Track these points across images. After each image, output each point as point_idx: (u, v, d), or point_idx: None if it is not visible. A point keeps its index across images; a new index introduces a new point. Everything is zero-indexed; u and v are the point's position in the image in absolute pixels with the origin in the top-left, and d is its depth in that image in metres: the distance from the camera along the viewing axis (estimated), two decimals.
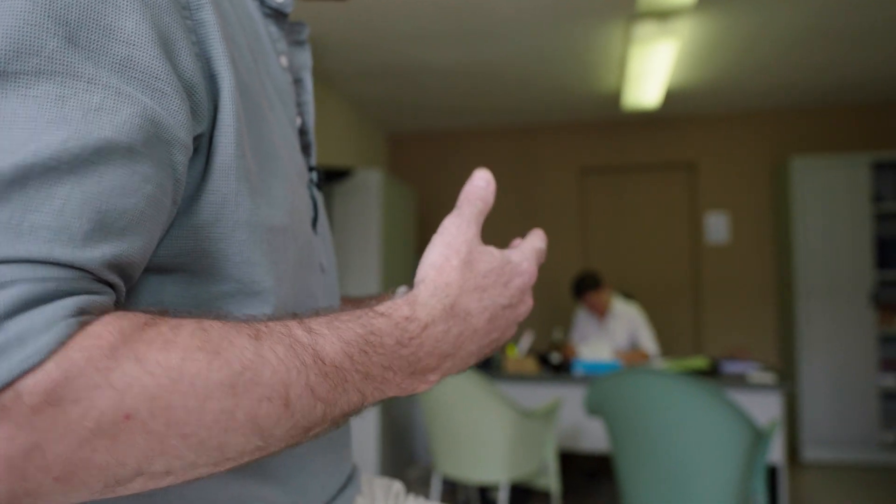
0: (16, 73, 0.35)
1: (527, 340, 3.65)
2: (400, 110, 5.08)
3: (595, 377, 2.35)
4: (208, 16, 0.45)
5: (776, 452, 2.94)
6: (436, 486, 2.91)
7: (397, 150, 5.77)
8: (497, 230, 5.50)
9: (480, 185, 0.54)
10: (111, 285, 0.38)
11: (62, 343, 0.33)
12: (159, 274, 0.46)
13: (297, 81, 0.65)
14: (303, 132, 0.64)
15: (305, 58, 0.66)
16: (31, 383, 0.32)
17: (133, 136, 0.38)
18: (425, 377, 0.48)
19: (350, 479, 0.66)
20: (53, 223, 0.34)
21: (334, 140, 4.56)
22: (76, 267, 0.35)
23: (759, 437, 2.11)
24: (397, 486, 0.76)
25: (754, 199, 5.05)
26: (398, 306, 0.46)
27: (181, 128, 0.41)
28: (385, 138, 5.69)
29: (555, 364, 3.52)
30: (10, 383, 0.31)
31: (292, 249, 0.53)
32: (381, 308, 0.45)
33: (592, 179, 5.41)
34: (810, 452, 4.43)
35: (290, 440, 0.41)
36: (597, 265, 5.32)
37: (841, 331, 4.47)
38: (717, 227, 5.09)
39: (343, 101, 4.73)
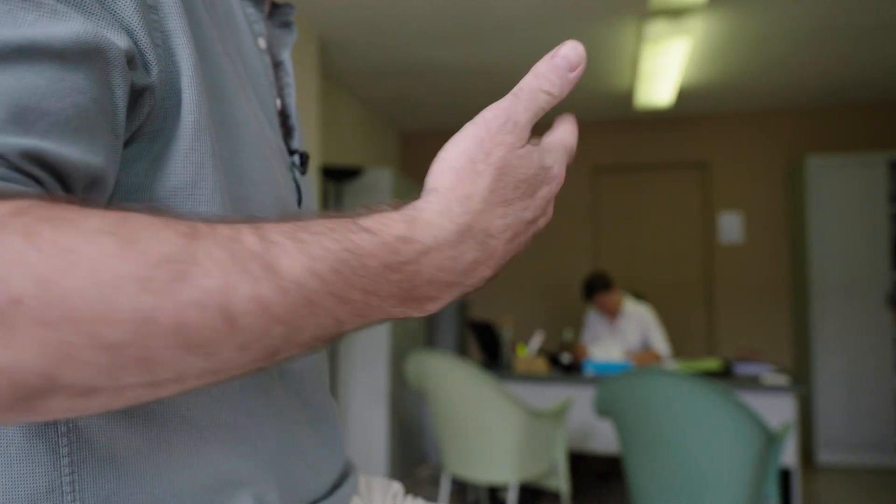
0: None
1: (537, 340, 3.63)
2: (411, 109, 5.07)
3: (605, 378, 2.33)
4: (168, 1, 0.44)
5: (789, 455, 2.91)
6: (445, 486, 2.90)
7: (408, 148, 5.77)
8: None
9: (560, 67, 0.43)
10: (36, 179, 0.35)
11: None
12: None
13: (279, 64, 0.64)
14: (284, 115, 0.63)
15: (288, 39, 0.65)
16: None
17: (66, 45, 0.36)
18: (422, 306, 0.40)
19: (345, 478, 0.65)
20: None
21: (345, 139, 4.57)
22: None
23: (771, 440, 2.08)
24: (396, 486, 0.75)
25: (768, 198, 5.00)
26: (391, 222, 0.38)
27: (121, 53, 0.39)
28: (396, 137, 5.69)
29: (565, 364, 3.50)
30: None
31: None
32: (368, 221, 0.37)
33: (604, 179, 5.38)
34: (825, 455, 4.38)
35: (247, 363, 0.34)
36: (608, 266, 5.29)
37: (856, 333, 4.41)
38: (730, 227, 5.04)
39: (354, 100, 4.73)
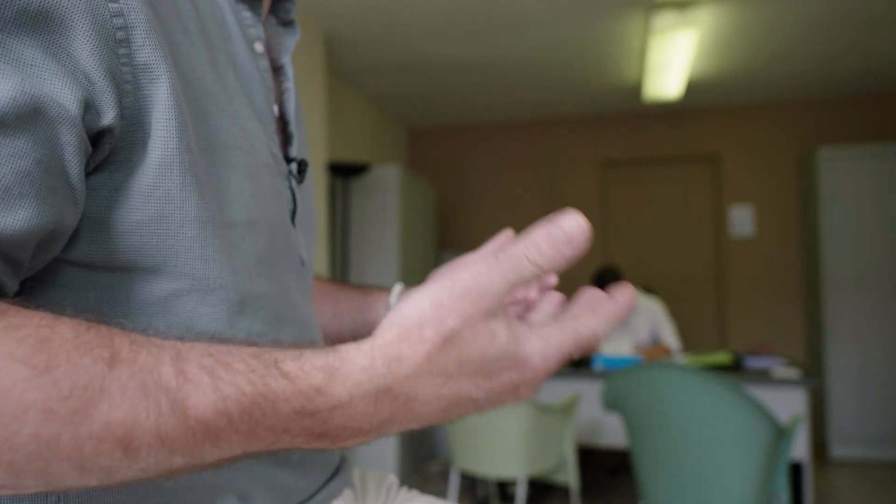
0: None
1: None
2: (418, 105, 5.07)
3: (613, 372, 2.32)
4: (138, 17, 0.42)
5: (801, 449, 2.89)
6: (454, 481, 2.90)
7: (416, 145, 5.77)
8: (517, 225, 5.47)
9: (557, 238, 0.39)
10: None
11: None
12: (109, 272, 0.45)
13: (279, 69, 0.63)
14: (283, 122, 0.61)
15: (289, 42, 0.64)
16: None
17: (2, 109, 0.36)
18: (336, 443, 0.39)
19: (337, 471, 0.65)
20: None
21: (353, 135, 4.57)
22: None
23: (780, 434, 2.07)
24: (391, 478, 0.75)
25: (780, 191, 4.95)
26: (312, 370, 0.37)
27: (69, 107, 0.39)
28: (404, 133, 5.69)
29: (574, 359, 3.49)
30: None
31: (253, 244, 0.51)
32: (290, 367, 0.36)
33: (614, 173, 5.36)
34: (838, 450, 4.35)
35: (149, 478, 0.36)
36: (618, 259, 5.27)
37: (869, 326, 4.37)
38: (741, 220, 5.00)
39: (362, 96, 4.74)
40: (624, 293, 0.41)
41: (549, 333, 0.40)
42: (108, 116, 0.41)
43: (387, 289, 0.79)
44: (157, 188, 0.44)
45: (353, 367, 0.37)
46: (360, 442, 0.39)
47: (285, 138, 0.61)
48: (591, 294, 0.42)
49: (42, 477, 0.32)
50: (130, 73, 0.42)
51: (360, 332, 0.76)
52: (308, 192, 0.67)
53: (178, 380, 0.34)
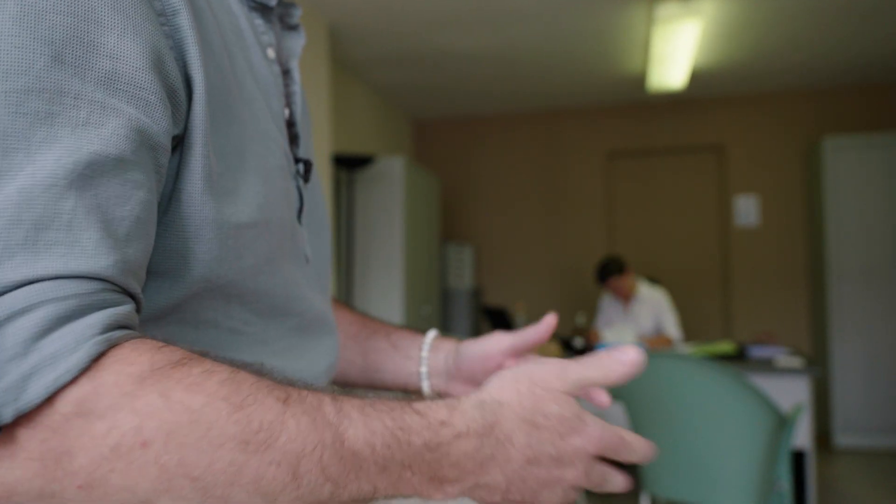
0: (5, 91, 0.37)
1: None
2: (423, 96, 5.07)
3: None
4: (183, 21, 0.46)
5: (804, 437, 2.90)
6: None
7: (421, 136, 5.77)
8: (522, 216, 5.48)
9: (618, 361, 0.51)
10: (129, 294, 0.41)
11: (94, 360, 0.36)
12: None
13: (286, 72, 0.65)
14: (290, 124, 0.64)
15: (296, 45, 0.66)
16: (66, 396, 0.36)
17: (121, 147, 0.40)
18: (442, 487, 0.45)
19: None
20: (65, 238, 0.37)
21: (357, 127, 4.58)
22: (93, 277, 0.38)
23: (782, 422, 2.08)
24: None
25: (785, 181, 4.94)
26: (437, 408, 0.45)
27: (164, 134, 0.43)
28: (409, 125, 5.70)
29: (578, 349, 3.51)
30: (43, 400, 0.35)
31: (265, 243, 0.54)
32: (419, 405, 0.44)
33: (619, 163, 5.35)
34: (842, 439, 4.36)
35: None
36: (623, 250, 5.27)
37: (874, 315, 4.37)
38: (746, 210, 5.00)
39: (366, 88, 4.74)
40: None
41: (603, 422, 0.50)
42: (181, 125, 0.46)
43: (419, 333, 0.80)
44: (182, 191, 0.47)
45: (468, 405, 0.46)
46: (459, 488, 0.45)
47: (292, 139, 0.64)
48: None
49: (222, 498, 0.38)
50: (184, 86, 0.46)
51: (390, 382, 0.79)
52: (314, 191, 0.69)
53: (339, 416, 0.41)
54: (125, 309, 0.39)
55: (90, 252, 0.38)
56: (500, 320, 3.76)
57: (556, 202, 5.43)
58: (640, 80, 4.66)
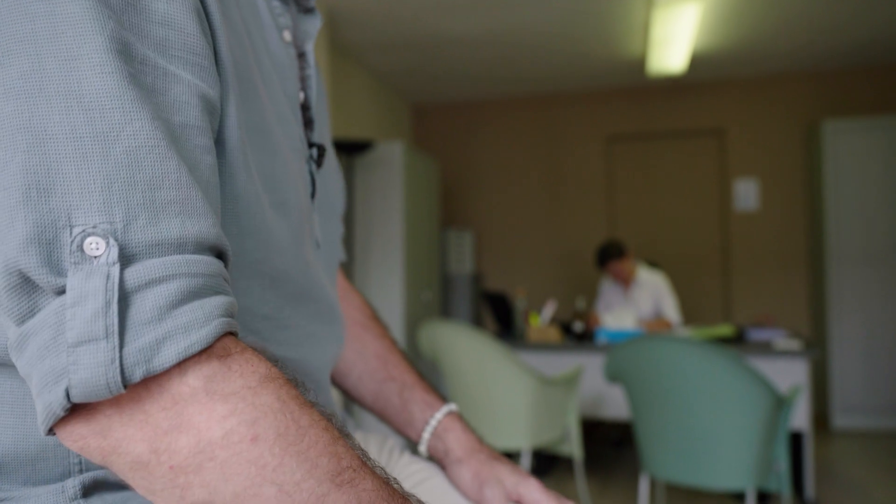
0: (88, 52, 0.37)
1: (550, 309, 3.66)
2: (423, 81, 5.06)
3: (615, 344, 2.35)
4: (214, 12, 0.46)
5: (801, 419, 2.92)
6: None
7: (420, 121, 5.76)
8: (522, 201, 5.48)
9: None
10: (225, 254, 0.42)
11: (218, 339, 0.38)
12: None
13: (301, 55, 0.64)
14: (305, 108, 0.64)
15: (311, 27, 0.65)
16: (196, 367, 0.37)
17: (185, 113, 0.40)
18: None
19: None
20: (177, 196, 0.38)
21: (357, 112, 4.57)
22: (211, 248, 0.40)
23: (780, 403, 2.10)
24: (391, 442, 0.78)
25: (785, 164, 4.94)
26: None
27: (218, 98, 0.44)
28: (408, 110, 5.68)
29: (578, 333, 3.53)
30: (178, 363, 0.36)
31: (286, 223, 0.54)
32: None
33: (619, 147, 5.35)
34: (840, 420, 4.39)
35: None
36: (623, 234, 5.28)
37: (873, 298, 4.38)
38: (746, 193, 5.00)
39: (365, 72, 4.73)
40: None
41: None
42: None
43: (434, 397, 0.77)
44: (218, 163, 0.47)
45: None
46: None
47: (307, 123, 0.64)
48: None
49: None
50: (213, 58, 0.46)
51: (392, 420, 0.78)
52: (328, 177, 0.69)
53: (407, 497, 0.42)
54: (233, 300, 0.41)
55: (200, 211, 0.39)
56: (500, 305, 3.77)
57: (556, 187, 5.43)
58: (639, 63, 4.64)
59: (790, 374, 2.97)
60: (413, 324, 4.28)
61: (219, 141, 0.47)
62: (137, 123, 0.37)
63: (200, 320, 0.37)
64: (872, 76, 4.78)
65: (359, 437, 0.76)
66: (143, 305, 0.36)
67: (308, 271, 0.59)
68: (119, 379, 0.35)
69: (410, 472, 0.73)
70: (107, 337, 0.35)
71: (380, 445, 0.77)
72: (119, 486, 0.48)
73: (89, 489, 0.47)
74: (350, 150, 3.82)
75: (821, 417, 4.63)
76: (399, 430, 0.77)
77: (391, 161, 4.13)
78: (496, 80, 5.05)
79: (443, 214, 5.63)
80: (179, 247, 0.38)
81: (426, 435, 0.74)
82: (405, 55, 4.44)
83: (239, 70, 0.50)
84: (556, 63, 4.65)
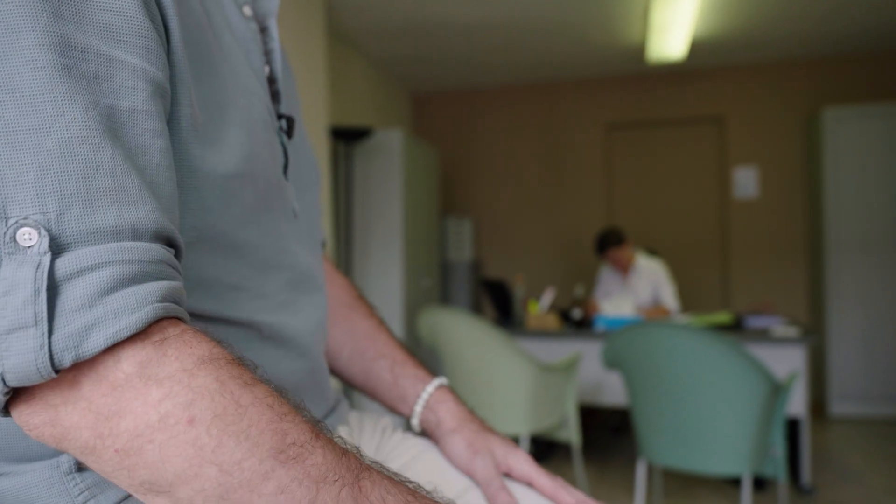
0: (20, 48, 0.37)
1: (548, 297, 3.66)
2: (421, 69, 5.04)
3: (613, 331, 2.36)
4: None
5: (798, 405, 2.94)
6: None
7: (419, 109, 5.75)
8: (521, 188, 5.48)
9: None
10: (173, 241, 0.43)
11: (151, 325, 0.39)
12: None
13: (264, 30, 0.65)
14: (271, 80, 0.64)
15: (271, 4, 0.66)
16: (130, 353, 0.38)
17: (131, 98, 0.41)
18: None
19: (333, 409, 0.69)
20: (113, 185, 0.38)
21: (355, 100, 4.56)
22: (151, 238, 0.40)
23: (776, 389, 2.11)
24: (385, 420, 0.79)
25: (785, 152, 4.93)
26: None
27: (167, 80, 0.44)
28: (407, 97, 5.67)
29: (576, 320, 3.54)
30: (109, 348, 0.37)
31: (251, 194, 0.55)
32: None
33: (618, 135, 5.34)
34: (838, 407, 4.41)
35: None
36: (622, 222, 5.28)
37: (872, 286, 4.39)
38: (745, 181, 5.00)
39: (364, 59, 4.71)
40: None
41: None
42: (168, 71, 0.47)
43: (425, 372, 0.77)
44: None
45: None
46: None
47: (274, 95, 0.65)
48: None
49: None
50: (160, 35, 0.47)
51: (386, 406, 0.78)
52: (300, 147, 0.70)
53: (361, 466, 0.42)
54: (178, 285, 0.42)
55: (136, 198, 0.39)
56: (499, 293, 3.78)
57: (555, 174, 5.42)
58: (639, 50, 4.62)
59: (787, 361, 2.99)
60: (412, 311, 4.29)
61: (172, 119, 0.47)
62: (69, 115, 0.38)
63: (132, 306, 0.38)
64: (873, 63, 4.76)
65: (353, 416, 0.77)
66: (73, 293, 0.37)
67: (279, 241, 0.60)
68: (48, 364, 0.36)
69: (405, 449, 0.74)
70: (36, 324, 0.36)
71: (374, 424, 0.78)
72: None
73: (83, 463, 0.48)
74: (349, 137, 3.81)
75: (818, 405, 4.65)
76: (391, 407, 0.77)
77: (390, 149, 4.12)
78: (495, 68, 5.03)
79: (442, 202, 5.63)
80: (116, 235, 0.38)
81: (418, 408, 0.74)
82: (404, 42, 4.43)
83: (195, 48, 0.50)
84: (556, 50, 4.63)
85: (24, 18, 0.37)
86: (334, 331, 0.79)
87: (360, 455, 0.43)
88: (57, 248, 0.37)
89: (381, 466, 0.44)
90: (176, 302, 0.41)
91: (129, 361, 0.37)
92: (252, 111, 0.56)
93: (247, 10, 0.63)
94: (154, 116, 0.42)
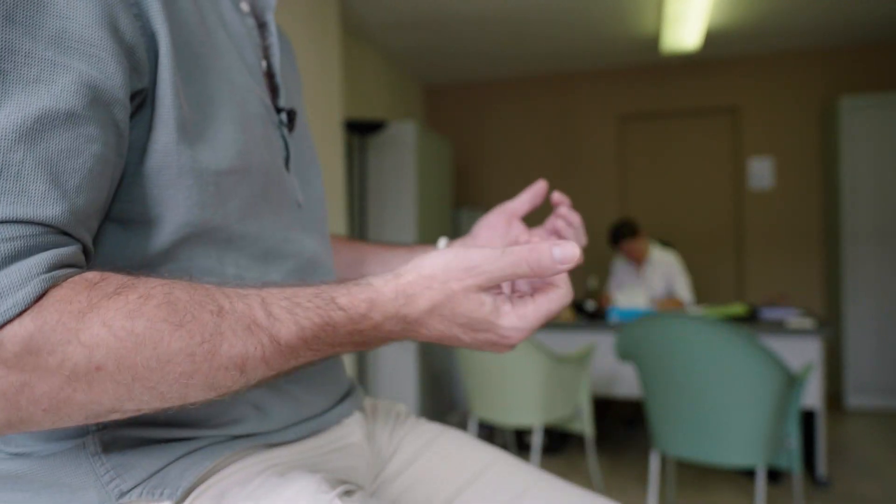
0: None
1: None
2: (434, 61, 5.04)
3: (626, 323, 2.37)
4: None
5: (814, 397, 2.92)
6: (472, 430, 2.98)
7: (432, 101, 5.74)
8: (535, 180, 5.47)
9: (555, 259, 0.48)
10: (76, 238, 0.43)
11: (38, 297, 0.39)
12: (120, 225, 0.50)
13: (263, 25, 0.67)
14: (269, 75, 0.66)
15: (271, 1, 0.67)
16: (10, 334, 0.38)
17: (71, 102, 0.42)
18: (370, 347, 0.51)
19: (348, 395, 0.71)
20: (13, 188, 0.39)
21: (368, 92, 4.57)
22: (39, 223, 0.40)
23: (791, 381, 2.10)
24: (399, 407, 0.80)
25: (800, 142, 4.89)
26: (358, 303, 0.48)
27: (119, 88, 0.45)
28: (420, 90, 5.67)
29: (590, 311, 3.54)
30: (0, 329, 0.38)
31: (247, 188, 0.56)
32: (342, 300, 0.47)
33: (632, 126, 5.31)
34: (854, 399, 4.38)
35: (250, 387, 0.47)
36: (636, 214, 5.26)
37: (888, 277, 4.35)
38: (760, 172, 4.96)
39: (377, 52, 4.72)
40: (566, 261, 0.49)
41: (525, 312, 0.50)
42: (145, 79, 0.48)
43: (433, 245, 0.84)
44: (157, 142, 0.50)
45: (385, 299, 0.48)
46: (383, 345, 0.53)
47: (273, 90, 0.66)
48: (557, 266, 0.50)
49: (182, 398, 0.44)
50: (145, 41, 0.48)
51: None
52: (301, 140, 0.71)
53: (269, 319, 0.45)
54: (70, 249, 0.42)
55: (37, 201, 0.40)
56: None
57: (568, 166, 5.41)
58: (653, 41, 4.59)
59: (803, 353, 2.97)
60: None
61: (160, 121, 0.49)
62: None
63: (16, 283, 0.38)
64: (889, 52, 4.70)
65: (367, 402, 0.78)
66: None
67: (281, 231, 0.61)
68: None
69: (419, 433, 0.76)
70: None
71: (387, 410, 0.79)
72: (137, 440, 0.51)
73: (108, 445, 0.50)
74: (362, 130, 3.82)
75: (835, 397, 4.62)
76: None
77: (403, 141, 4.13)
78: (508, 60, 5.02)
79: (455, 194, 5.63)
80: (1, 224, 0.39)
81: (441, 244, 0.81)
82: (417, 34, 4.42)
83: (185, 49, 0.52)
84: (569, 41, 4.61)
85: None
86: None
87: (265, 301, 0.46)
88: None
89: (293, 302, 0.47)
90: (68, 266, 0.42)
91: (11, 341, 0.38)
92: (246, 107, 0.58)
93: (244, 6, 0.64)
94: (94, 123, 0.43)
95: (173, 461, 0.52)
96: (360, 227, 4.12)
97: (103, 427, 0.51)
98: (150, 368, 0.41)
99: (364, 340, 0.50)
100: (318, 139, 3.14)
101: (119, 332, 0.40)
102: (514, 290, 0.55)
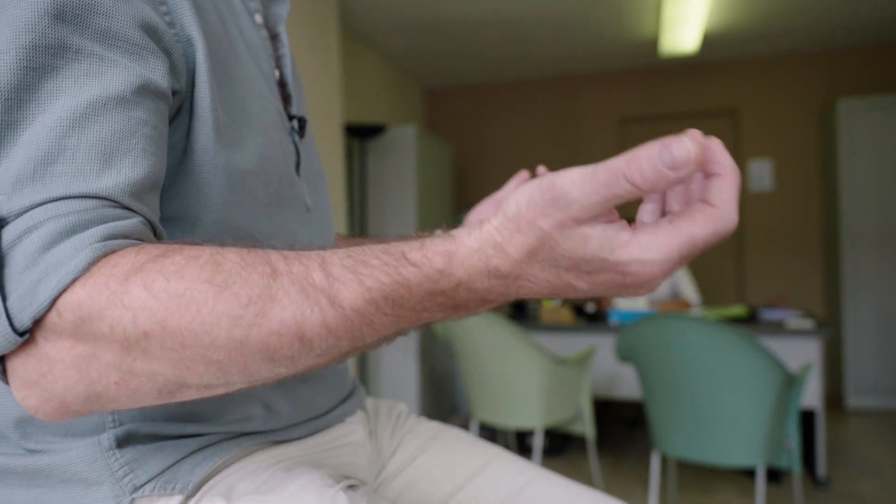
0: (16, 48, 0.42)
1: None
2: (434, 64, 5.06)
3: (626, 323, 2.38)
4: (177, 2, 0.52)
5: (813, 397, 2.94)
6: (474, 432, 3.00)
7: (432, 105, 5.77)
8: None
9: (663, 161, 0.35)
10: (135, 211, 0.45)
11: (90, 265, 0.39)
12: (161, 222, 0.53)
13: (275, 37, 0.70)
14: (282, 84, 0.69)
15: (282, 10, 0.71)
16: (65, 302, 0.39)
17: (120, 89, 0.45)
18: (467, 313, 0.44)
19: (351, 395, 0.73)
20: (69, 169, 0.42)
21: (368, 96, 4.59)
22: (94, 196, 0.42)
23: (790, 381, 2.12)
24: (401, 406, 0.82)
25: (800, 144, 4.90)
26: (434, 256, 0.41)
27: (162, 79, 0.49)
28: (420, 94, 5.69)
29: (590, 313, 3.55)
30: (52, 303, 0.39)
31: (264, 190, 0.59)
32: (414, 255, 0.41)
33: (632, 129, 5.33)
34: (854, 400, 4.39)
35: (322, 364, 0.43)
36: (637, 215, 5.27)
37: (888, 278, 4.36)
38: (760, 174, 4.98)
39: (377, 56, 4.74)
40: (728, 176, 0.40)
41: (651, 241, 0.39)
42: (182, 80, 0.51)
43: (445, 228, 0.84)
44: (196, 142, 0.53)
45: (467, 251, 0.40)
46: (489, 307, 0.44)
47: (285, 98, 0.69)
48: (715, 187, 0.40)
49: (244, 371, 0.41)
50: (181, 47, 0.52)
51: None
52: (309, 146, 0.74)
53: (329, 280, 0.41)
54: (129, 223, 0.43)
55: (91, 178, 0.42)
56: None
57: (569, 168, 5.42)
58: (652, 44, 4.61)
59: (802, 354, 2.99)
60: None
61: (200, 123, 0.52)
62: (48, 113, 0.42)
63: (70, 254, 0.39)
64: (888, 54, 4.72)
65: (369, 402, 0.80)
66: (16, 257, 0.39)
67: (290, 233, 0.64)
68: (9, 329, 0.39)
69: (420, 432, 0.77)
70: None
71: (389, 409, 0.81)
72: (150, 437, 0.53)
73: (123, 441, 0.52)
74: (363, 134, 3.84)
75: (835, 398, 4.63)
76: None
77: (404, 145, 4.14)
78: (509, 63, 5.04)
79: (456, 197, 5.65)
80: (56, 201, 0.41)
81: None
82: (417, 38, 4.44)
83: (216, 57, 0.55)
84: (569, 45, 4.63)
85: (25, 21, 0.42)
86: None
87: (325, 262, 0.42)
88: (4, 224, 0.40)
89: (356, 261, 0.42)
90: (126, 237, 0.42)
91: (67, 310, 0.39)
92: (265, 114, 0.61)
93: (258, 18, 0.67)
94: (142, 108, 0.46)
95: (185, 457, 0.54)
96: (360, 232, 4.14)
97: (120, 423, 0.53)
98: (195, 333, 0.39)
99: (455, 304, 0.42)
100: (318, 143, 3.16)
101: (160, 294, 0.39)
102: (664, 213, 0.44)
